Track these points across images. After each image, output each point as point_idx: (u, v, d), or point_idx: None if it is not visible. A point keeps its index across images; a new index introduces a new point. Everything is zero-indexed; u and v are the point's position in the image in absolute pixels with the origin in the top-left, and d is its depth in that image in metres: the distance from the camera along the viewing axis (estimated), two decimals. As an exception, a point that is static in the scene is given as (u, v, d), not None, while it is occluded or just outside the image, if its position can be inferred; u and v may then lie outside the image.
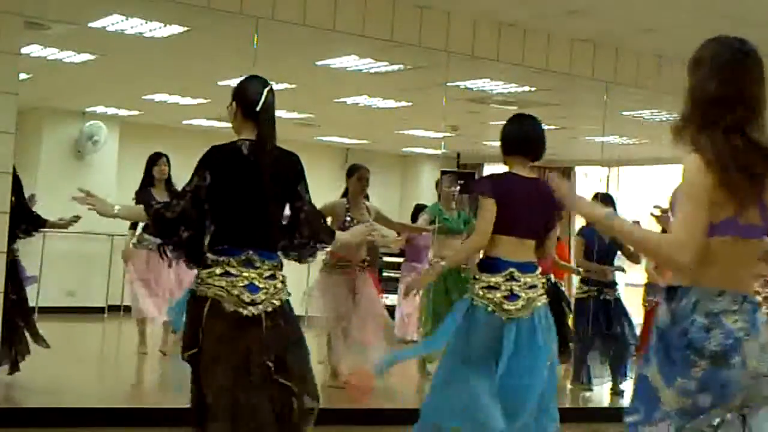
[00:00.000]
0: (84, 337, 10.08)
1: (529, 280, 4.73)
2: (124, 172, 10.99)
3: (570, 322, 8.60)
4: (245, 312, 3.87)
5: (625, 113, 9.88)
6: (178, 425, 6.17)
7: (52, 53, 8.76)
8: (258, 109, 3.95)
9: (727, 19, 6.94)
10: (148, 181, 8.61)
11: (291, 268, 4.15)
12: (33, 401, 6.68)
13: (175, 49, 8.27)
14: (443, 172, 9.66)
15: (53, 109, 12.20)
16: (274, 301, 3.95)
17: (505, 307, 4.66)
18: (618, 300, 8.49)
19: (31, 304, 11.28)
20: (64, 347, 9.38)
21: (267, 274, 3.94)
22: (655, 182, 14.33)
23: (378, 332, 7.55)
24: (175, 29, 7.52)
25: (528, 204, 4.75)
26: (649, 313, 9.33)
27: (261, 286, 3.90)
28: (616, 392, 8.44)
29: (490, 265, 4.75)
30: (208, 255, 3.92)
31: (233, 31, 7.42)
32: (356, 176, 7.61)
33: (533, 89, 9.19)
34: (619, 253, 8.50)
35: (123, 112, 12.32)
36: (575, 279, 9.22)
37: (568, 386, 8.56)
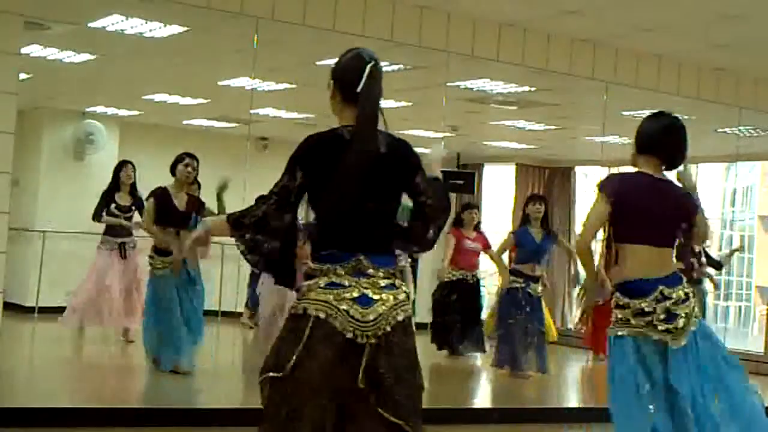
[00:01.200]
0: (84, 337, 10.06)
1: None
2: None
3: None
4: (354, 334, 3.17)
5: (625, 113, 9.87)
6: (177, 425, 6.19)
7: (52, 53, 8.77)
8: (359, 90, 3.34)
9: (727, 19, 6.95)
10: (114, 185, 9.17)
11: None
12: (32, 401, 6.67)
13: (175, 49, 8.27)
14: (443, 173, 9.67)
15: (53, 109, 12.20)
16: (395, 317, 3.24)
17: None
18: (539, 296, 9.10)
19: (31, 304, 11.40)
20: (63, 347, 9.39)
21: (383, 284, 3.26)
22: (655, 182, 14.31)
23: None
24: (175, 29, 7.52)
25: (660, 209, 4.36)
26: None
27: (375, 297, 3.23)
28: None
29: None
30: (313, 265, 3.28)
31: (233, 31, 7.42)
32: None
33: (533, 89, 9.18)
34: None
35: (123, 112, 12.32)
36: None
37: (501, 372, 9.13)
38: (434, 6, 7.19)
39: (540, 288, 9.04)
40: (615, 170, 13.46)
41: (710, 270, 10.29)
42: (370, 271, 3.23)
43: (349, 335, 3.15)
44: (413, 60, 8.14)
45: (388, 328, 3.19)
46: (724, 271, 12.10)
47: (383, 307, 3.20)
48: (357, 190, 3.24)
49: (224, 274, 11.63)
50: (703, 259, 10.29)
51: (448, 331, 10.07)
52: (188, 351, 7.68)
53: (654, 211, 4.28)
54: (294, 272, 3.38)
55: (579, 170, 14.10)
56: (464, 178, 11.79)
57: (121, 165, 9.38)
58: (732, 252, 10.11)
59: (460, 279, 9.98)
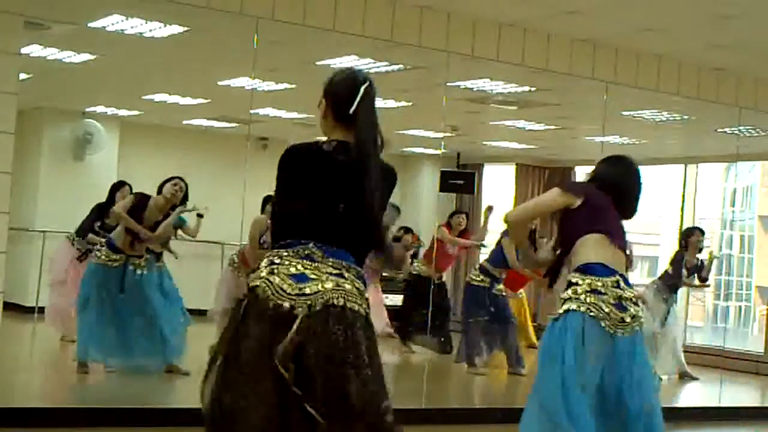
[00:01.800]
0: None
1: None
2: (124, 172, 10.98)
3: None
4: (280, 304, 3.07)
5: (625, 113, 9.87)
6: (177, 425, 6.19)
7: (52, 53, 8.77)
8: (352, 111, 3.23)
9: (727, 19, 6.95)
10: (108, 204, 8.88)
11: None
12: (32, 401, 6.67)
13: (175, 49, 8.27)
14: (443, 172, 9.69)
15: (53, 109, 12.20)
16: (333, 300, 3.09)
17: None
18: (502, 294, 9.34)
19: (31, 304, 11.39)
20: (63, 347, 9.38)
21: (329, 270, 3.15)
22: (654, 182, 14.33)
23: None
24: (175, 29, 7.52)
25: None
26: None
27: (313, 276, 3.11)
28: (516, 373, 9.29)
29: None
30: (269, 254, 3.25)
31: (233, 31, 7.42)
32: None
33: (533, 89, 9.18)
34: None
35: (123, 112, 12.31)
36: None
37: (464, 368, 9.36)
38: (434, 6, 7.18)
39: (502, 286, 9.32)
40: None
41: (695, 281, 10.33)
42: (317, 257, 3.13)
43: (278, 305, 3.04)
44: (413, 60, 8.14)
45: (319, 308, 3.05)
46: (724, 271, 12.11)
47: (320, 287, 3.08)
48: (328, 190, 3.19)
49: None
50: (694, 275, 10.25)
51: (412, 324, 10.37)
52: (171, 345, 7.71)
53: (616, 217, 4.41)
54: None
55: (579, 170, 14.11)
56: (464, 178, 11.78)
57: (120, 186, 9.17)
58: (710, 262, 10.09)
59: (428, 277, 10.12)
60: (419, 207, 14.20)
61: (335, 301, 3.09)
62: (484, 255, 10.25)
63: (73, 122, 12.15)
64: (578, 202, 4.33)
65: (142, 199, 7.64)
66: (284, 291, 3.07)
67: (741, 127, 10.11)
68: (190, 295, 11.32)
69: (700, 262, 10.04)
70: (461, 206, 14.59)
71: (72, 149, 12.21)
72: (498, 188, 14.99)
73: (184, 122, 12.51)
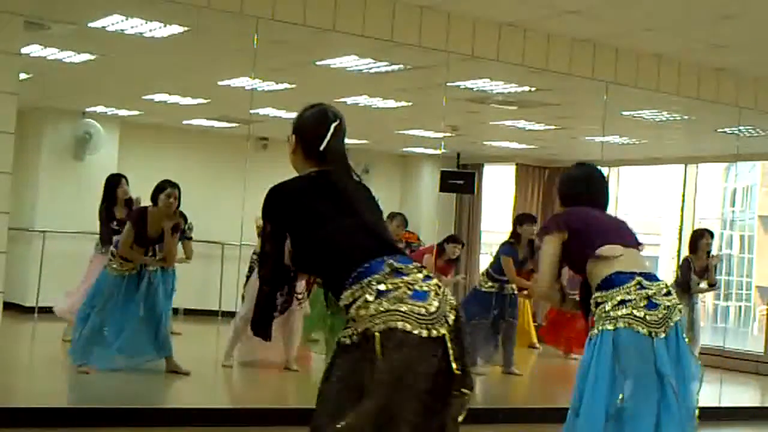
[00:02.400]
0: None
1: None
2: (124, 172, 10.98)
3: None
4: (427, 329, 3.00)
5: (625, 113, 9.87)
6: (177, 425, 6.19)
7: (52, 53, 8.76)
8: (322, 148, 3.26)
9: (727, 19, 6.95)
10: (111, 202, 8.82)
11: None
12: (32, 401, 6.67)
13: (175, 49, 8.27)
14: (443, 172, 9.69)
15: (53, 109, 12.20)
16: (450, 302, 3.11)
17: None
18: (514, 294, 9.41)
19: (31, 304, 11.39)
20: (63, 347, 9.38)
21: (421, 275, 3.14)
22: (654, 182, 14.34)
23: None
24: (175, 29, 7.52)
25: None
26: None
27: (426, 289, 3.09)
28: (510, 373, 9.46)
29: None
30: (346, 292, 3.09)
31: (233, 31, 7.42)
32: None
33: (533, 89, 9.18)
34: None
35: (123, 112, 12.32)
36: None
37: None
38: (434, 6, 7.18)
39: (514, 285, 9.31)
40: (615, 170, 13.51)
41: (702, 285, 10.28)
42: (404, 269, 3.05)
43: (424, 333, 2.96)
44: (413, 60, 8.14)
45: (452, 316, 3.03)
46: (724, 271, 12.09)
47: (436, 297, 3.03)
48: (353, 207, 3.17)
49: (224, 274, 11.63)
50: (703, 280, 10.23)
51: None
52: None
53: (604, 220, 4.45)
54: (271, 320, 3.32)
55: (579, 170, 14.09)
56: (464, 178, 11.78)
57: (117, 181, 9.07)
58: (714, 265, 10.08)
59: None
60: (419, 207, 14.21)
61: (452, 302, 3.09)
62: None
63: (72, 122, 12.15)
64: (566, 235, 4.36)
65: (138, 220, 7.67)
66: (420, 315, 2.98)
67: (741, 127, 10.11)
68: (190, 295, 11.35)
69: (707, 266, 10.02)
70: (461, 206, 14.62)
71: (72, 149, 12.21)
72: (498, 188, 15.00)
73: (184, 122, 12.51)
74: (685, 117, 10.18)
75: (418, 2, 7.11)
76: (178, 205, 7.80)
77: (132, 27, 7.50)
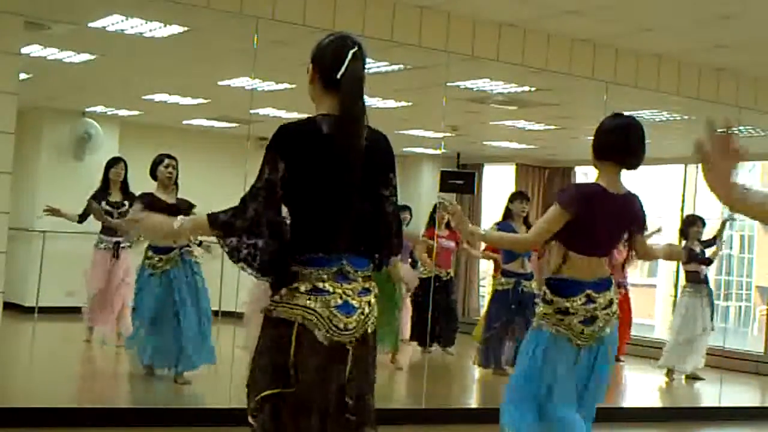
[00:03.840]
0: (84, 337, 10.06)
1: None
2: (124, 172, 11.00)
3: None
4: (337, 339, 3.04)
5: (625, 113, 9.86)
6: (177, 425, 6.19)
7: (52, 53, 8.76)
8: (339, 75, 3.11)
9: (727, 19, 6.95)
10: (105, 184, 8.96)
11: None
12: (32, 401, 6.67)
13: (175, 49, 8.27)
14: (443, 172, 9.68)
15: (53, 109, 12.19)
16: (368, 326, 3.14)
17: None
18: (533, 294, 9.05)
19: (31, 304, 11.39)
20: (63, 347, 9.39)
21: (360, 288, 3.12)
22: (654, 182, 14.33)
23: None
24: (175, 29, 7.52)
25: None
26: None
27: (356, 305, 3.09)
28: None
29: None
30: (292, 267, 3.07)
31: (233, 31, 7.42)
32: None
33: (533, 89, 9.18)
34: None
35: (123, 112, 12.32)
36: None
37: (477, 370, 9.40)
38: (434, 6, 7.19)
39: (533, 283, 9.14)
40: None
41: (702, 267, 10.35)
42: (351, 275, 3.08)
43: (334, 341, 3.03)
44: (413, 60, 8.14)
45: (358, 337, 3.09)
46: (724, 271, 12.09)
47: (361, 316, 3.09)
48: (343, 189, 3.07)
49: (224, 273, 11.62)
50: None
51: (425, 326, 10.26)
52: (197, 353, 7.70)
53: (598, 230, 4.40)
54: (289, 272, 3.09)
55: (579, 170, 14.09)
56: (464, 178, 11.77)
57: (112, 162, 9.18)
58: (721, 230, 10.17)
59: (436, 276, 10.03)
60: (419, 207, 14.18)
61: (370, 329, 3.14)
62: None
63: (72, 122, 12.14)
64: (570, 217, 4.37)
65: (148, 200, 7.58)
66: (336, 327, 3.05)
67: (741, 127, 10.11)
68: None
69: (701, 250, 10.05)
70: (461, 206, 14.59)
71: (72, 149, 12.20)
72: (498, 188, 14.98)
73: (184, 122, 12.51)
74: (685, 117, 10.18)
75: (418, 2, 7.11)
76: (177, 176, 7.79)
77: (132, 27, 7.51)
